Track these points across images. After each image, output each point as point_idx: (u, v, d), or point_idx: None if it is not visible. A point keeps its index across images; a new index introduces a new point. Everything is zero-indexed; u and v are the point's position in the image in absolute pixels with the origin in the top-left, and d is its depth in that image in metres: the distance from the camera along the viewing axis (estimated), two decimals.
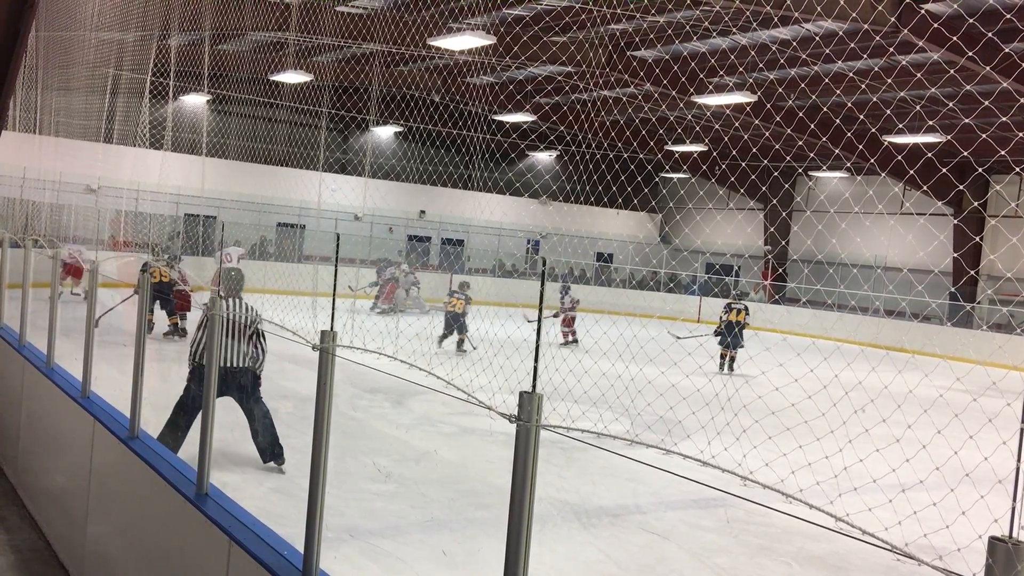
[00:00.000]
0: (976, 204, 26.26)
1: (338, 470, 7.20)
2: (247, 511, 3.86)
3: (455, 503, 7.05)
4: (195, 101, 23.32)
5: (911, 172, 21.44)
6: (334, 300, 3.28)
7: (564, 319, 18.89)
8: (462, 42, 17.27)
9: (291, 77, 21.34)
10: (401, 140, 32.65)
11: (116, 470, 4.97)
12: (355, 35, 16.32)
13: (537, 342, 2.47)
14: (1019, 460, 1.55)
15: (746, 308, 16.55)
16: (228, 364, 7.18)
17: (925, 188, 24.45)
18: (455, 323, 16.26)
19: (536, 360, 2.48)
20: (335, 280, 3.25)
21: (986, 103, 13.80)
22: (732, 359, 16.21)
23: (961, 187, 24.64)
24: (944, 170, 21.81)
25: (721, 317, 16.50)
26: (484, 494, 7.20)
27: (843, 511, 1.83)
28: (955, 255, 26.12)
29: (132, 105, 10.96)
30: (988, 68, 14.60)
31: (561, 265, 33.26)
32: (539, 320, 2.52)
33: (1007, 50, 13.62)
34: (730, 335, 16.07)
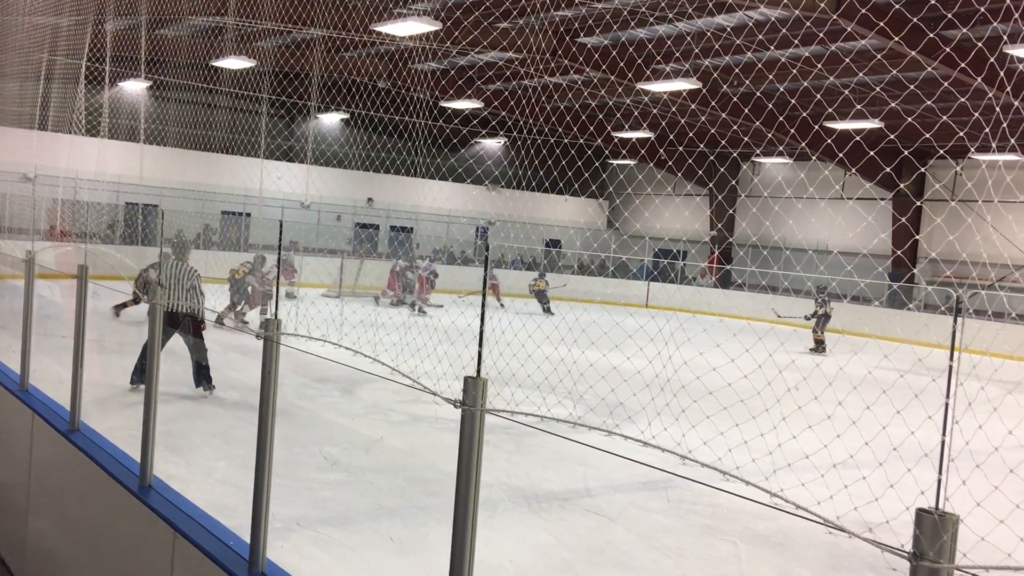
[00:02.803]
0: (902, 186, 26.91)
1: (287, 460, 7.16)
2: (192, 503, 3.83)
3: (405, 490, 7.05)
4: (134, 87, 22.79)
5: (841, 155, 21.87)
6: (277, 288, 3.26)
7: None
8: (407, 28, 17.14)
9: (232, 63, 20.95)
10: (347, 127, 32.33)
11: (57, 464, 4.89)
12: (297, 20, 16.10)
13: (481, 328, 2.49)
14: (944, 434, 1.61)
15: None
16: (175, 310, 9.12)
17: (855, 171, 24.98)
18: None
19: (480, 345, 2.50)
20: (278, 268, 3.22)
21: (911, 87, 14.11)
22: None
23: (888, 169, 25.23)
24: (872, 153, 22.29)
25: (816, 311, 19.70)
26: (434, 481, 7.21)
27: (778, 487, 1.89)
28: (881, 234, 26.77)
29: (68, 91, 10.70)
30: (914, 52, 14.93)
31: (513, 251, 33.33)
32: (483, 306, 2.54)
33: (931, 35, 13.94)
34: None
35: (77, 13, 9.77)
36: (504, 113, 28.04)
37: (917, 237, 26.44)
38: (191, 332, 9.48)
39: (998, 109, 14.76)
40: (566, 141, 26.76)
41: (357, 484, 7.06)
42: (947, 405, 1.61)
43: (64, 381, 5.13)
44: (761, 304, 24.94)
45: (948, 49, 14.47)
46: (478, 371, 2.47)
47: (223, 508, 4.97)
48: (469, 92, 25.70)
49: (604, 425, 2.75)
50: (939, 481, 1.59)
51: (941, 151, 24.15)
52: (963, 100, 5.90)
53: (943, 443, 1.57)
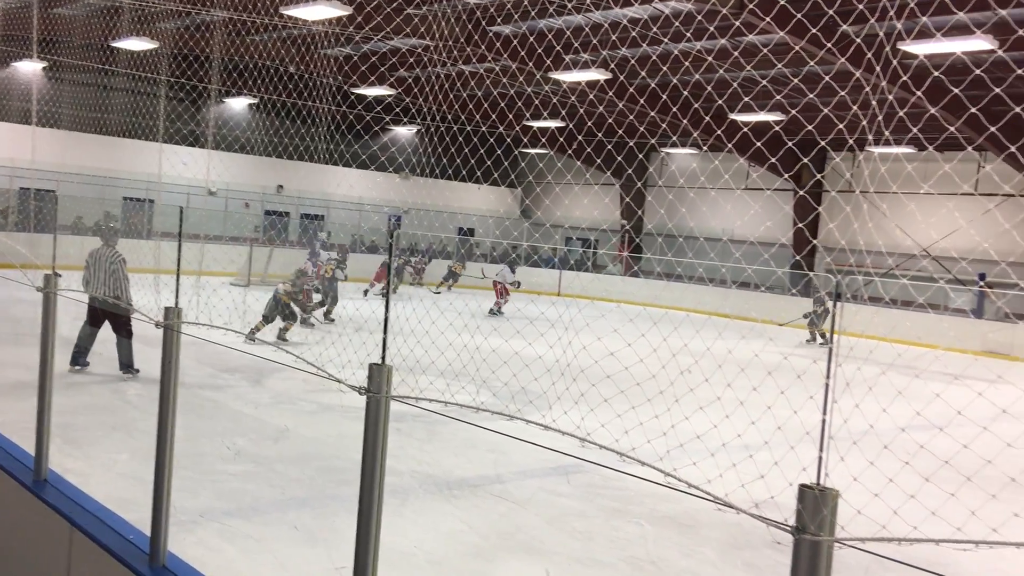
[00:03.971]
0: (786, 175, 27.83)
1: (192, 452, 7.00)
2: (91, 497, 3.72)
3: (314, 480, 6.99)
4: (28, 68, 21.77)
5: (755, 148, 22.51)
6: (178, 276, 3.18)
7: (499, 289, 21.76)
8: (316, 12, 16.84)
9: (132, 44, 20.20)
10: (256, 112, 31.60)
11: None
12: (199, 1, 15.64)
13: (386, 316, 2.50)
14: (824, 413, 1.69)
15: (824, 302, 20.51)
16: (102, 294, 9.63)
17: (749, 161, 25.69)
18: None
19: (385, 332, 2.50)
20: (179, 255, 3.16)
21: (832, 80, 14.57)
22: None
23: (773, 159, 26.04)
24: (757, 144, 22.89)
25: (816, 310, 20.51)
26: (344, 470, 7.16)
27: (671, 467, 1.95)
28: (766, 221, 27.67)
29: None
30: (808, 47, 15.41)
31: (426, 239, 33.16)
32: (387, 292, 2.55)
33: (818, 32, 14.44)
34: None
35: None
36: (420, 101, 27.83)
37: (801, 225, 27.40)
38: (117, 330, 9.96)
39: (899, 104, 15.35)
40: (481, 129, 26.75)
41: (265, 475, 6.96)
42: (827, 386, 1.70)
43: None
44: (674, 292, 25.47)
45: (832, 46, 15.00)
46: (383, 358, 2.48)
47: (124, 502, 4.84)
48: (383, 79, 25.42)
49: (507, 410, 2.79)
50: (820, 458, 1.67)
51: (854, 145, 25.04)
52: (879, 94, 6.13)
53: (823, 422, 1.65)
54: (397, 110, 29.83)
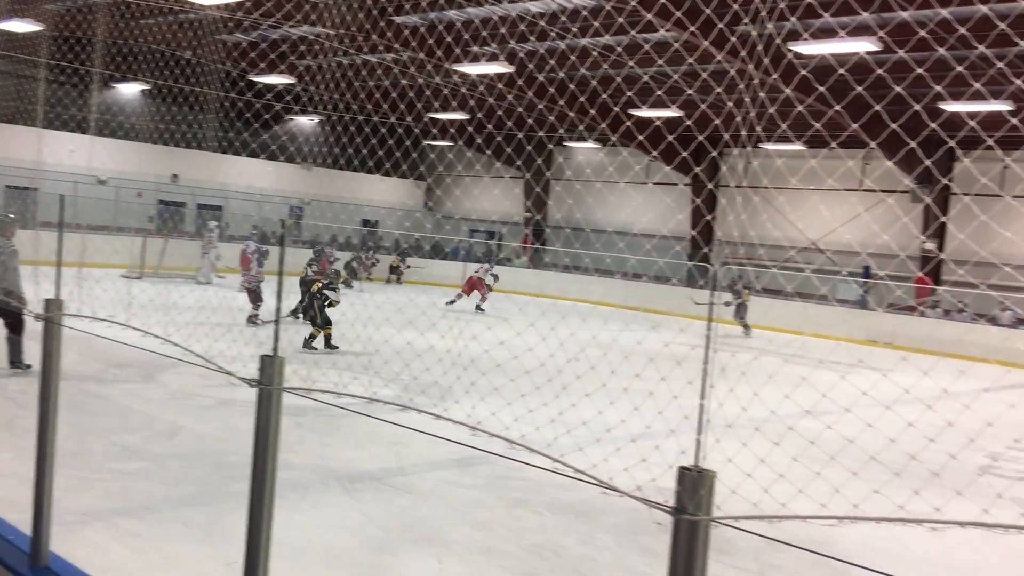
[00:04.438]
0: (697, 170, 28.60)
1: (79, 450, 6.74)
2: None
3: (208, 477, 6.82)
4: None
5: (640, 138, 22.99)
6: (59, 267, 3.07)
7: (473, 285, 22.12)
8: None
9: (11, 25, 19.22)
10: (148, 99, 30.49)
11: None
12: None
13: (277, 307, 2.47)
14: (702, 398, 1.76)
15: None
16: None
17: (654, 154, 26.27)
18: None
19: (277, 324, 2.48)
20: (59, 245, 3.03)
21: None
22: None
23: (669, 153, 26.71)
24: (663, 137, 23.46)
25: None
26: (240, 466, 6.96)
27: (559, 453, 1.99)
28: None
29: None
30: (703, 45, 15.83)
31: (329, 231, 32.65)
32: (279, 284, 2.52)
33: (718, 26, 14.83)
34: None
35: None
36: (321, 91, 27.31)
37: (681, 217, 28.17)
38: (7, 326, 9.89)
39: (780, 100, 15.94)
40: (386, 121, 26.46)
41: (159, 473, 6.76)
42: (705, 371, 1.77)
43: None
44: (577, 284, 25.82)
45: (723, 44, 15.42)
46: (275, 349, 2.45)
47: (6, 503, 4.64)
48: (281, 67, 24.86)
49: (410, 403, 2.79)
50: (697, 441, 1.74)
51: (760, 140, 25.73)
52: (786, 94, 6.33)
53: (701, 406, 1.71)
54: (298, 100, 29.29)
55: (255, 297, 15.74)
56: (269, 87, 27.40)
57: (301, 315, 14.29)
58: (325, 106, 29.02)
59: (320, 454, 7.59)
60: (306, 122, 34.86)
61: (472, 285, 22.02)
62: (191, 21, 22.18)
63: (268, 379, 2.40)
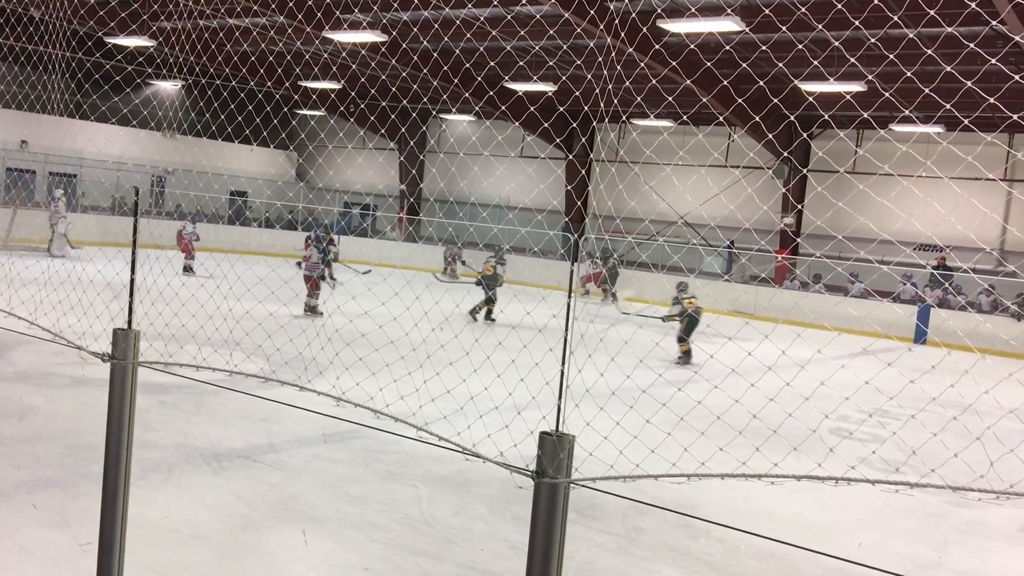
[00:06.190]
0: (558, 140, 29.07)
1: None
2: None
3: (64, 459, 6.51)
4: None
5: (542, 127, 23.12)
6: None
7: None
8: None
9: None
10: None
11: None
12: None
13: (132, 278, 2.37)
14: (562, 364, 1.80)
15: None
16: None
17: (524, 129, 26.51)
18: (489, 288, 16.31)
19: (131, 296, 2.37)
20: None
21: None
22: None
23: (546, 125, 27.06)
24: (542, 111, 23.66)
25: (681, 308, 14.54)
26: (98, 447, 6.66)
27: (423, 422, 2.00)
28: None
29: None
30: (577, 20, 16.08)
31: (193, 202, 31.39)
32: (133, 252, 2.41)
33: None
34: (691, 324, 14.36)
35: None
36: (185, 55, 26.05)
37: (553, 198, 28.68)
38: None
39: (656, 78, 16.33)
40: (252, 88, 25.54)
41: (10, 455, 6.41)
42: (565, 339, 1.81)
43: None
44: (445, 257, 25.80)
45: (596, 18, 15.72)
46: (129, 323, 2.35)
47: None
48: (143, 30, 23.59)
49: (262, 373, 2.73)
50: (558, 407, 1.78)
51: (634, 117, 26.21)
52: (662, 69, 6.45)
53: (562, 373, 1.75)
54: (154, 63, 27.94)
55: (313, 286, 14.86)
56: (120, 48, 25.96)
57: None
58: (186, 71, 27.77)
59: (185, 432, 7.36)
60: (168, 87, 33.29)
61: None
62: None
63: (122, 353, 2.30)
